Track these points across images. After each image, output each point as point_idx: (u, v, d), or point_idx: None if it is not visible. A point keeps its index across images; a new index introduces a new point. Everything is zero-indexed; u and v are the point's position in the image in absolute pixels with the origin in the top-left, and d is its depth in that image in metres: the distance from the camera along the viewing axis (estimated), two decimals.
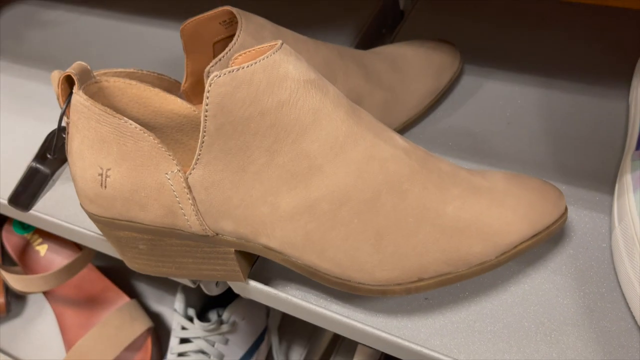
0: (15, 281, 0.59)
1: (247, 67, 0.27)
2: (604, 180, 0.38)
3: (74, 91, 0.29)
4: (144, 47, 0.58)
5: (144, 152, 0.29)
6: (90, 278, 0.69)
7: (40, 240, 0.69)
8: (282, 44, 0.28)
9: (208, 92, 0.27)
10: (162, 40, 0.59)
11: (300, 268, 0.31)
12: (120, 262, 0.75)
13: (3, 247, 0.70)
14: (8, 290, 0.72)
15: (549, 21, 0.50)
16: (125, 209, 0.30)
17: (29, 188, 0.30)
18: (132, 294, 0.72)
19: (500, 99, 0.45)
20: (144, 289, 0.74)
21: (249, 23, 0.34)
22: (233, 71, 0.27)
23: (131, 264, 0.35)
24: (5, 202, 0.44)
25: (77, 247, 0.69)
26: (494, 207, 0.31)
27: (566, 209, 0.33)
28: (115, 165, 0.29)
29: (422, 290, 0.30)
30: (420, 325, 0.33)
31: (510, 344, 0.32)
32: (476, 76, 0.47)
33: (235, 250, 0.32)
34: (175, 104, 0.33)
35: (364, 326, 0.32)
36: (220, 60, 0.32)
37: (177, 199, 0.29)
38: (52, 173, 0.30)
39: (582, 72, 0.45)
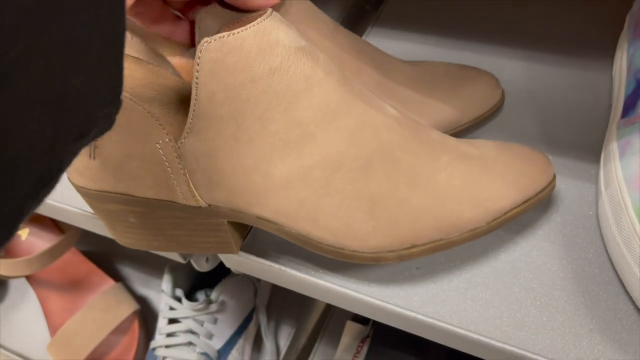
0: None
1: (238, 33, 0.26)
2: (588, 150, 0.39)
3: None
4: None
5: (133, 122, 0.28)
6: (74, 262, 0.68)
7: None
8: (271, 11, 0.28)
9: (199, 58, 0.26)
10: None
11: (294, 237, 0.31)
12: (104, 246, 0.75)
13: None
14: None
15: None
16: (115, 180, 0.30)
17: None
18: (117, 277, 0.71)
19: None
20: (129, 272, 0.73)
21: None
22: (223, 37, 0.26)
23: (121, 239, 0.34)
24: None
25: (59, 230, 0.68)
26: (484, 174, 0.31)
27: (554, 176, 0.33)
28: (104, 135, 0.29)
29: (415, 256, 0.30)
30: (413, 294, 0.33)
31: (502, 310, 0.32)
32: (462, 51, 0.47)
33: (227, 222, 0.31)
34: (163, 77, 0.33)
35: (359, 294, 0.32)
36: (214, 7, 0.32)
37: (169, 169, 0.29)
38: None
39: (567, 45, 0.46)
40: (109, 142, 0.29)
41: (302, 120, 0.28)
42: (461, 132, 0.40)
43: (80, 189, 0.32)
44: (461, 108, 0.39)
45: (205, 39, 0.26)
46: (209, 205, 0.30)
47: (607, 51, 0.44)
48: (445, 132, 0.38)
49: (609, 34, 0.45)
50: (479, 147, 0.32)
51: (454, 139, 0.32)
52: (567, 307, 0.32)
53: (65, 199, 0.41)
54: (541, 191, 0.32)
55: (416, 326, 0.32)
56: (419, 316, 0.31)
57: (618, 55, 0.41)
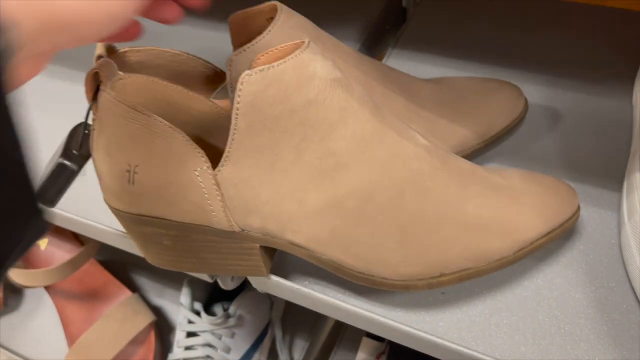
0: (18, 275, 0.59)
1: (277, 65, 0.27)
2: (610, 178, 0.39)
3: (102, 88, 0.29)
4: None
5: (172, 149, 0.29)
6: (92, 272, 0.69)
7: None
8: (309, 42, 0.29)
9: (240, 90, 0.27)
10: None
11: (325, 263, 0.31)
12: (121, 256, 0.75)
13: None
14: (6, 285, 0.72)
15: (552, 20, 0.51)
16: (153, 205, 0.31)
17: (56, 184, 0.30)
18: (133, 287, 0.72)
19: None
20: (145, 282, 0.74)
21: (287, 20, 0.34)
22: (264, 70, 0.27)
23: (153, 260, 0.35)
24: None
25: (77, 241, 0.69)
26: (512, 205, 0.32)
27: (579, 206, 0.34)
28: (143, 161, 0.30)
29: (444, 285, 0.31)
30: (438, 319, 0.34)
31: (526, 337, 0.33)
32: (483, 74, 0.48)
33: (259, 246, 0.32)
34: (198, 102, 0.33)
35: (385, 319, 0.33)
36: (244, 50, 0.32)
37: (206, 195, 0.30)
38: (79, 169, 0.30)
39: (587, 71, 0.46)
40: (148, 169, 0.30)
41: (336, 150, 0.29)
42: (489, 145, 0.41)
43: (117, 212, 0.32)
44: (488, 120, 0.40)
45: (247, 71, 0.27)
46: (243, 230, 0.31)
47: (630, 77, 0.44)
48: (475, 146, 0.40)
49: (632, 60, 0.45)
50: (507, 177, 0.33)
51: (482, 168, 0.33)
52: (590, 335, 0.32)
53: (93, 217, 0.42)
54: (566, 221, 0.33)
55: (443, 352, 0.33)
56: (446, 343, 0.32)
57: (638, 85, 0.42)
